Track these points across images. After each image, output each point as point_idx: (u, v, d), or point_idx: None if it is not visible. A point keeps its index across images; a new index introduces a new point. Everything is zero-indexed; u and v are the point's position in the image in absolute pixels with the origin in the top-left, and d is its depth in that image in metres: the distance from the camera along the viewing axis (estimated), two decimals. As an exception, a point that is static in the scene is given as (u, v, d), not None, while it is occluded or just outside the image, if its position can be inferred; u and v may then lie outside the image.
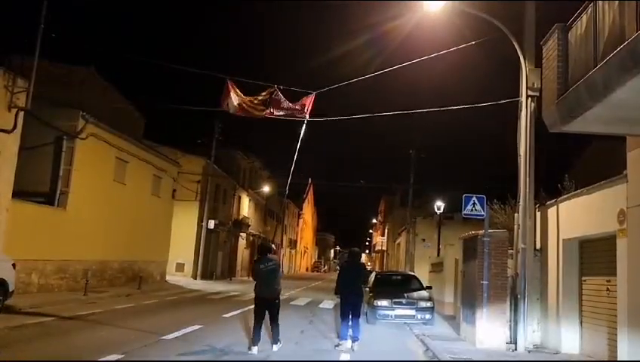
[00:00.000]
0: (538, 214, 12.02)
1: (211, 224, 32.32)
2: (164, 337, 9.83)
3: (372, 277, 18.01)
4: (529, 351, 10.63)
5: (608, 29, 6.27)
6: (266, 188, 46.33)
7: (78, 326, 11.07)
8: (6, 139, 14.02)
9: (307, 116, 14.30)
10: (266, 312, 9.57)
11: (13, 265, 11.58)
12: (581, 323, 10.45)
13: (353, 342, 10.12)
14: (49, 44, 15.31)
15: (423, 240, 31.13)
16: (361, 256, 12.37)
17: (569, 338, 10.54)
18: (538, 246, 11.93)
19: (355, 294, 10.56)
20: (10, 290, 11.25)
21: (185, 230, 30.25)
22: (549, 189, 13.23)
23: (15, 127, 14.23)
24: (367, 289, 16.02)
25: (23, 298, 13.54)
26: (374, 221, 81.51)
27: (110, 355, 7.95)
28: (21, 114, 14.38)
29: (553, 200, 11.60)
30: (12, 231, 14.35)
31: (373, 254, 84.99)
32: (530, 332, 11.06)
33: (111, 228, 20.34)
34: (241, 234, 41.83)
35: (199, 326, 11.41)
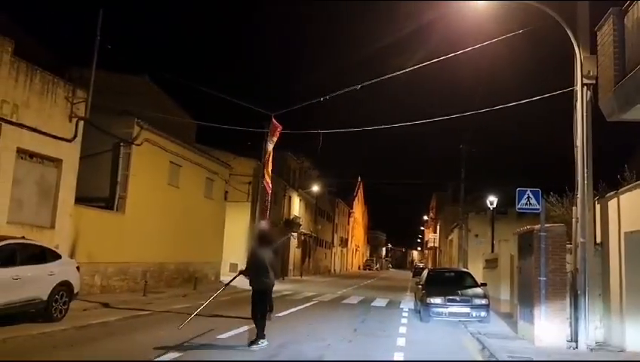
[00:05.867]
0: (597, 207, 11.56)
1: (263, 224, 32.72)
2: (220, 336, 10.06)
3: (424, 274, 17.85)
4: (591, 350, 10.24)
5: (668, 10, 5.98)
6: (316, 188, 46.59)
7: (139, 325, 11.50)
8: (68, 148, 14.70)
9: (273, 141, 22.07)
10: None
11: (77, 268, 12.13)
12: (647, 319, 9.98)
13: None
14: (105, 55, 15.95)
15: (476, 236, 30.55)
16: (270, 236, 10.09)
17: (634, 335, 10.06)
18: (598, 240, 11.48)
19: (260, 282, 9.38)
20: (75, 292, 11.79)
21: (237, 231, 30.79)
22: (608, 180, 12.70)
23: (76, 136, 14.90)
24: (420, 286, 15.90)
25: (87, 299, 14.16)
26: (426, 218, 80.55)
27: (169, 353, 8.23)
28: (81, 123, 15.02)
29: (613, 192, 11.13)
30: (75, 236, 15.05)
31: (426, 251, 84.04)
32: (593, 329, 10.63)
33: (166, 231, 20.96)
34: (293, 233, 42.22)
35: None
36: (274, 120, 21.73)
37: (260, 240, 9.83)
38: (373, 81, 14.14)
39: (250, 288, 9.68)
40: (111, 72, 20.47)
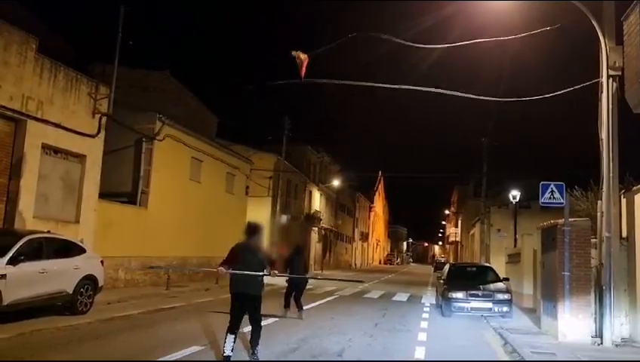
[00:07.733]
0: (623, 200, 11.32)
1: (284, 219, 32.87)
2: (241, 330, 10.11)
3: (446, 268, 17.73)
4: (616, 346, 10.06)
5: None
6: (336, 182, 46.54)
7: (162, 318, 11.65)
8: (91, 144, 14.92)
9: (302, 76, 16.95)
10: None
11: (102, 262, 12.32)
12: (675, 315, 9.77)
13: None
14: (127, 51, 16.11)
15: (499, 230, 30.20)
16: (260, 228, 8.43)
17: (662, 331, 9.88)
18: (624, 234, 11.25)
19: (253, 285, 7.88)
20: (100, 286, 11.98)
21: (258, 225, 30.85)
22: (634, 173, 12.44)
23: (99, 131, 15.10)
24: (442, 281, 15.80)
25: (111, 292, 14.39)
26: (447, 212, 79.94)
27: (192, 346, 8.32)
28: (104, 119, 15.21)
29: (640, 186, 10.89)
30: (100, 230, 15.29)
31: (447, 245, 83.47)
32: (618, 325, 10.45)
33: (188, 225, 21.14)
34: (313, 228, 42.26)
35: (275, 319, 11.67)
36: (297, 54, 17.59)
37: (250, 233, 8.14)
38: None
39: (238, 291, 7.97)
40: (133, 68, 20.72)
